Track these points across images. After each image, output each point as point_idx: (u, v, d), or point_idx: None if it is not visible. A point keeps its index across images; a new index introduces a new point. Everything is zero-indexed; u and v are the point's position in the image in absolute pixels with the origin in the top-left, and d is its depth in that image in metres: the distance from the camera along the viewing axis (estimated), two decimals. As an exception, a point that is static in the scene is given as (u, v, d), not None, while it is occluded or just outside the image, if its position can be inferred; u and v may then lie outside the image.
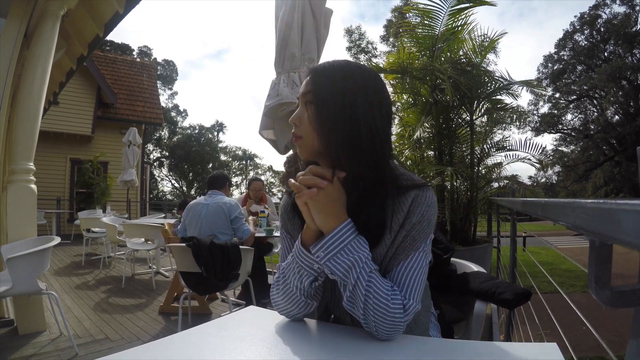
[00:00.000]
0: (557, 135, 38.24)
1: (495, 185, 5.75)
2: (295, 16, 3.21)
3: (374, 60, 23.85)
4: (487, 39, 5.12)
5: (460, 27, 4.80)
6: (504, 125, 7.46)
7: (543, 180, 36.62)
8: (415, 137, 4.77)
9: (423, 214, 0.92)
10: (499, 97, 5.08)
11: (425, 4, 4.70)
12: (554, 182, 38.38)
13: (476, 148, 5.24)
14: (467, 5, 4.56)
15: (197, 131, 47.91)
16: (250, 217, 4.12)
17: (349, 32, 24.18)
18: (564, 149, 38.81)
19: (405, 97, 5.81)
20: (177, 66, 47.24)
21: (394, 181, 0.96)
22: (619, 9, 35.13)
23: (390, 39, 22.39)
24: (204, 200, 3.64)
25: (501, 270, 4.62)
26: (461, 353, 0.81)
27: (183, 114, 47.92)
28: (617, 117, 36.17)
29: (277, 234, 4.40)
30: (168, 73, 45.71)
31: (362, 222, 0.93)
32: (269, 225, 4.56)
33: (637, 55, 35.18)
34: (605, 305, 0.52)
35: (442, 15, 4.63)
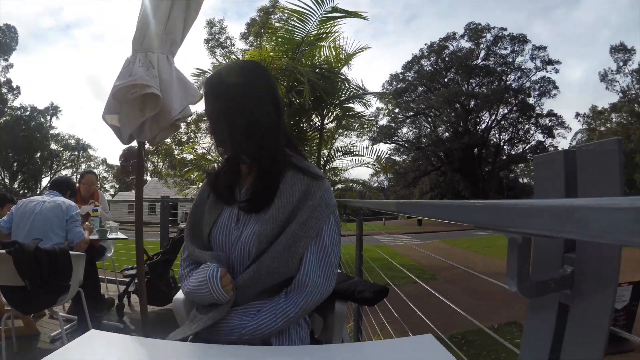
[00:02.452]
0: (392, 145, 42.93)
1: (339, 187, 6.06)
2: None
3: (232, 56, 23.30)
4: (346, 51, 5.22)
5: (325, 35, 4.87)
6: (344, 132, 7.92)
7: (376, 184, 40.36)
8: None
9: (322, 197, 1.12)
10: (351, 105, 5.34)
11: (300, 6, 4.67)
12: (385, 186, 42.61)
13: (324, 151, 5.45)
14: (341, 15, 4.64)
15: (28, 113, 42.47)
16: (86, 223, 3.67)
17: (210, 24, 23.27)
18: (397, 158, 43.72)
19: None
20: (19, 34, 39.79)
21: (289, 162, 1.18)
22: (466, 44, 41.87)
23: (250, 38, 22.11)
24: (41, 198, 3.31)
25: (344, 269, 4.86)
26: (352, 354, 0.78)
27: (15, 92, 41.92)
28: (447, 134, 42.49)
29: (113, 235, 4.11)
30: (7, 41, 39.69)
31: (262, 186, 1.15)
32: (102, 226, 4.07)
33: (472, 84, 41.87)
34: (526, 296, 0.58)
35: (314, 19, 4.66)
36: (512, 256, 0.53)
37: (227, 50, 22.75)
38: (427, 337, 0.83)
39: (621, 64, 34.74)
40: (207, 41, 23.05)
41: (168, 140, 19.92)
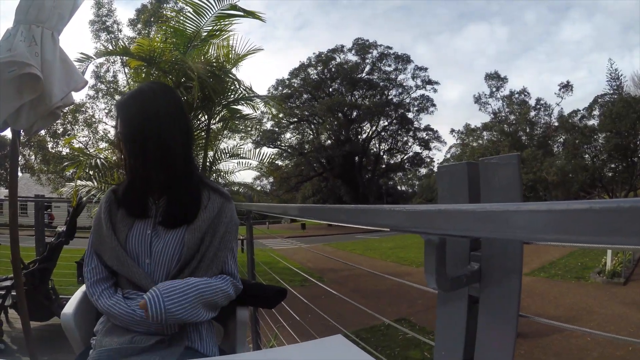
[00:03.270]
0: (275, 150, 43.30)
1: (226, 190, 5.92)
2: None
3: (120, 43, 21.29)
4: (235, 51, 5.08)
5: (219, 32, 4.68)
6: (229, 134, 7.77)
7: (259, 188, 40.49)
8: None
9: (232, 216, 1.30)
10: (239, 106, 5.22)
11: None
12: (267, 190, 42.81)
13: (210, 153, 5.29)
14: (239, 13, 4.49)
15: None
16: None
17: (99, 4, 20.89)
18: (279, 163, 44.16)
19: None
20: None
21: (202, 182, 1.32)
22: (352, 57, 43.65)
23: (139, 26, 20.43)
24: None
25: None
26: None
27: None
28: (329, 141, 43.98)
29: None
30: None
31: (180, 203, 1.24)
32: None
33: (356, 96, 43.84)
34: (444, 291, 0.66)
35: (210, 14, 4.44)
36: (429, 256, 0.56)
37: (112, 36, 20.84)
38: (338, 337, 0.82)
39: (494, 89, 38.81)
40: (92, 23, 20.89)
41: (42, 132, 17.64)
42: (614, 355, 4.81)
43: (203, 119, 5.12)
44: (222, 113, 5.27)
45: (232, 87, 5.02)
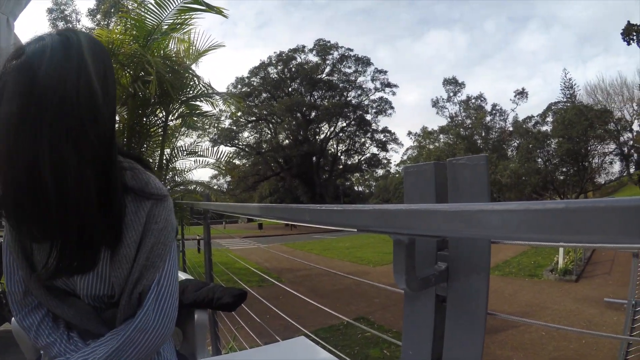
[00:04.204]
0: (232, 149, 42.84)
1: (181, 188, 5.79)
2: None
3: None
4: (196, 47, 5.02)
5: (180, 25, 4.55)
6: (187, 131, 7.62)
7: (216, 187, 40.04)
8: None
9: (166, 219, 0.92)
10: (198, 103, 5.13)
11: None
12: (224, 190, 42.31)
13: (166, 150, 5.16)
14: (202, 8, 4.36)
15: None
16: None
17: None
18: (237, 162, 43.73)
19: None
20: None
21: (125, 185, 0.89)
22: (313, 58, 43.84)
23: (98, 16, 19.54)
24: None
25: (192, 274, 4.66)
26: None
27: None
28: (287, 141, 44.04)
29: None
30: None
31: (99, 228, 0.84)
32: None
33: (315, 96, 44.11)
34: (414, 292, 0.66)
35: (172, 7, 4.32)
36: (399, 256, 0.56)
37: (70, 25, 19.89)
38: (301, 339, 0.82)
39: (451, 94, 39.96)
40: (50, 11, 19.81)
41: None
42: (567, 347, 5.04)
43: (161, 115, 4.99)
44: (181, 110, 5.15)
45: (191, 83, 4.92)
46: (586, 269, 10.11)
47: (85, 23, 20.41)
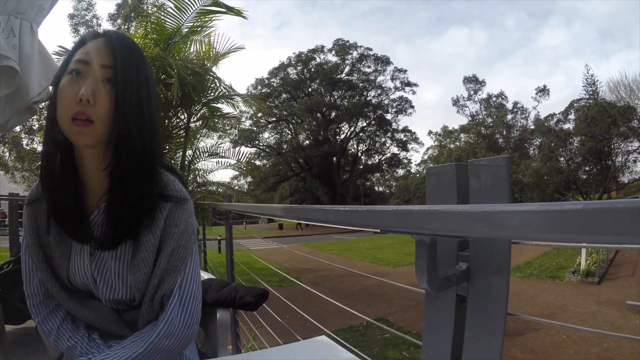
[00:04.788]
0: (253, 149, 43.23)
1: (203, 189, 5.87)
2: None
3: None
4: (215, 49, 5.07)
5: (201, 28, 4.59)
6: (208, 133, 7.68)
7: (237, 187, 40.50)
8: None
9: (187, 221, 0.91)
10: (219, 105, 5.17)
11: None
12: (245, 190, 42.73)
13: (189, 151, 5.23)
14: (222, 10, 4.40)
15: None
16: None
17: None
18: (257, 162, 44.17)
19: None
20: None
21: (159, 188, 0.90)
22: (332, 58, 43.79)
23: (119, 21, 19.93)
24: None
25: (210, 272, 4.72)
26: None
27: None
28: (307, 141, 44.19)
29: None
30: None
31: (121, 219, 0.85)
32: None
33: (335, 96, 44.00)
34: (435, 291, 0.67)
35: (192, 9, 4.34)
36: (421, 256, 0.57)
37: (91, 30, 20.25)
38: (322, 338, 0.83)
39: (472, 92, 39.44)
40: (71, 16, 20.22)
41: (17, 128, 16.96)
42: (589, 352, 4.95)
43: (183, 117, 5.06)
44: (202, 111, 5.21)
45: (212, 85, 4.95)
46: (609, 270, 9.90)
47: (106, 27, 20.77)
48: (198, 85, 4.55)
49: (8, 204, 4.79)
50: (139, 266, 0.87)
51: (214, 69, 5.05)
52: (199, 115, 5.24)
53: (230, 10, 4.36)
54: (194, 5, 4.31)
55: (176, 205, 0.90)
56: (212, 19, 4.55)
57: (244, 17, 4.40)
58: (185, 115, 5.02)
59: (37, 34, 2.18)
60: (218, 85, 4.95)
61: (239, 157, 5.66)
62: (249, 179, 42.58)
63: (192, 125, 5.27)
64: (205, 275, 1.65)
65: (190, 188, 5.09)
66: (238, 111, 5.70)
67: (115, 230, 0.85)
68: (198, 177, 5.56)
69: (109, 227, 0.86)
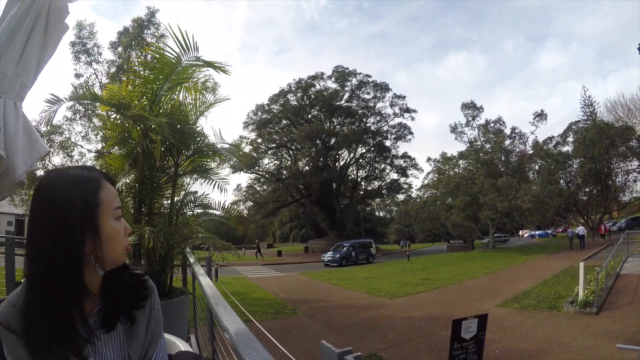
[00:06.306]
0: (252, 175, 43.37)
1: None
2: (25, 23, 2.24)
3: (96, 91, 21.14)
4: (201, 101, 5.27)
5: (186, 79, 4.77)
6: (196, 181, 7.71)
7: (235, 213, 40.43)
8: (117, 187, 4.39)
9: (159, 303, 1.16)
10: (205, 155, 5.29)
11: (167, 51, 4.41)
12: (245, 215, 42.77)
13: (177, 200, 5.31)
14: (202, 64, 4.51)
15: None
16: None
17: (80, 26, 20.61)
18: (257, 188, 44.26)
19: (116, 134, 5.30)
20: None
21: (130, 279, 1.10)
22: (332, 84, 44.42)
23: (119, 49, 20.30)
24: None
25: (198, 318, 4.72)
26: None
27: None
28: (307, 167, 44.22)
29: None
30: None
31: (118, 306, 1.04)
32: None
33: (334, 123, 44.46)
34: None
35: (177, 66, 4.45)
36: None
37: (92, 58, 20.57)
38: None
39: (470, 118, 39.65)
40: (73, 44, 20.59)
41: None
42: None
43: (170, 164, 5.16)
44: (190, 160, 5.30)
45: (198, 140, 5.08)
46: (607, 299, 9.85)
47: (107, 56, 21.12)
48: (183, 140, 4.63)
49: (5, 241, 4.52)
50: (137, 334, 1.07)
51: (201, 118, 5.21)
52: (184, 165, 5.32)
53: (212, 65, 4.44)
54: (179, 60, 4.37)
55: (151, 290, 1.15)
56: (196, 71, 4.73)
57: (227, 73, 4.46)
58: (173, 163, 5.11)
59: (20, 109, 2.22)
60: (202, 139, 5.10)
61: (228, 209, 5.83)
62: (248, 204, 42.66)
63: (180, 173, 5.37)
64: (181, 346, 1.61)
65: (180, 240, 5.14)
66: (238, 138, 5.83)
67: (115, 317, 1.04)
68: (185, 225, 5.60)
69: (109, 317, 1.03)
